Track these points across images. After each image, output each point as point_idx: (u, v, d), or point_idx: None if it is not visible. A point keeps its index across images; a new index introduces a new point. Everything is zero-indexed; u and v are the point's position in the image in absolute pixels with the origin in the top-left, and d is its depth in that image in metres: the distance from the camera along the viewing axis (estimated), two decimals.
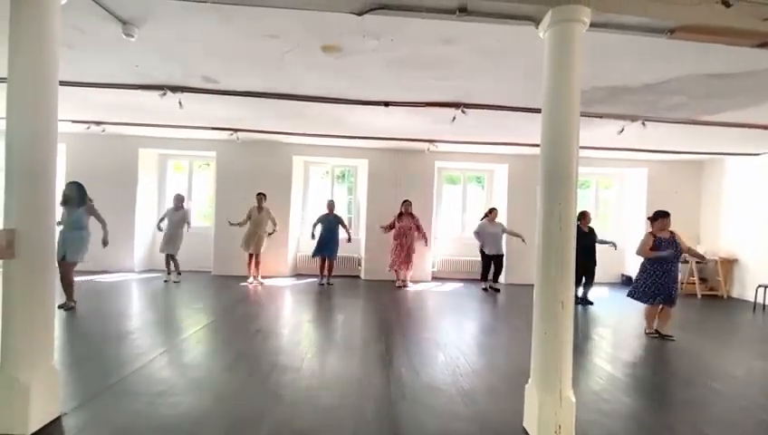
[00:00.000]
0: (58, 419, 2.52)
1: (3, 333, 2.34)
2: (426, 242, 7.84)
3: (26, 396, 2.31)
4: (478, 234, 7.49)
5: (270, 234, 7.31)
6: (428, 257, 8.41)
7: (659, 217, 4.79)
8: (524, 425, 2.60)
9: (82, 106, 5.72)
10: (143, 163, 8.24)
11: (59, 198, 5.02)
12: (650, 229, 4.87)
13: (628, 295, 4.98)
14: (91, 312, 5.14)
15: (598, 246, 6.64)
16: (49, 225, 2.47)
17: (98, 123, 6.81)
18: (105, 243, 5.34)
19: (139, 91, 4.72)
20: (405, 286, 7.54)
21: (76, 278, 5.28)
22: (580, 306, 6.46)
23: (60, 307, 5.02)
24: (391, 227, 7.64)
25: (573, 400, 2.44)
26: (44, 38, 2.37)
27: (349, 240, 7.71)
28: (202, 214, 9.05)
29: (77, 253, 5.08)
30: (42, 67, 2.38)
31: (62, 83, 3.45)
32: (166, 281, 7.14)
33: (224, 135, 7.39)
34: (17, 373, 2.31)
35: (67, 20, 2.93)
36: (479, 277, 8.04)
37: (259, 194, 7.24)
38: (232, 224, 7.15)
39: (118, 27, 3.08)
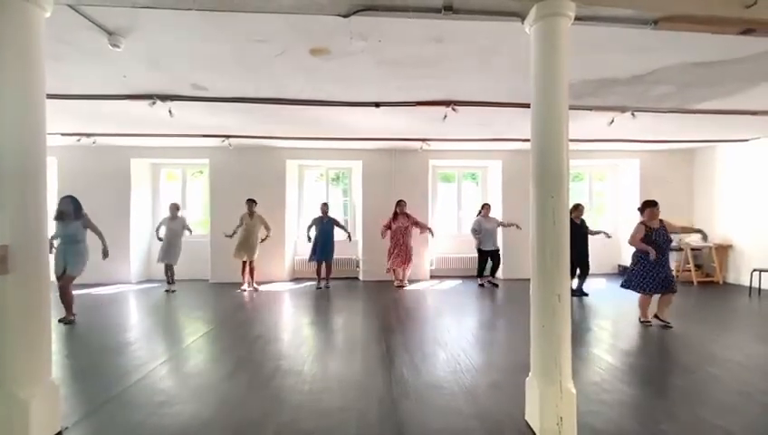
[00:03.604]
0: (59, 434, 2.51)
1: (0, 349, 2.32)
2: (431, 232, 7.75)
3: (26, 412, 2.29)
4: (476, 231, 7.46)
5: (263, 240, 7.28)
6: (426, 256, 8.43)
7: (647, 208, 4.83)
8: (526, 418, 2.62)
9: (72, 118, 5.69)
10: (136, 173, 8.20)
11: (51, 211, 5.00)
12: (641, 219, 4.91)
13: (622, 286, 5.02)
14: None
15: (591, 238, 6.68)
16: (42, 239, 2.45)
17: (88, 135, 6.77)
18: (105, 254, 5.32)
19: (128, 102, 4.70)
20: (403, 286, 7.55)
21: (73, 292, 5.23)
22: (575, 298, 6.49)
23: (60, 321, 5.01)
24: (387, 227, 7.61)
25: (574, 391, 2.45)
26: (30, 51, 2.36)
27: (349, 239, 7.69)
28: (197, 222, 9.00)
29: (76, 267, 5.07)
30: (28, 80, 2.36)
31: (50, 96, 3.44)
32: (167, 291, 7.11)
33: (216, 142, 7.37)
34: (16, 390, 2.29)
35: (53, 33, 2.91)
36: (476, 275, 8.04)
37: (249, 200, 7.21)
38: (228, 235, 7.16)
39: (104, 38, 3.07)
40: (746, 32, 2.75)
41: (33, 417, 2.32)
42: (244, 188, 7.98)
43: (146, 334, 4.77)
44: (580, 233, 6.42)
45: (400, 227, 7.51)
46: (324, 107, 4.98)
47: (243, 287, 7.23)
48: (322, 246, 7.41)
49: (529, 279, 2.60)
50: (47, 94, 2.51)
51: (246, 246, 7.15)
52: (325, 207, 7.59)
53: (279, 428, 2.60)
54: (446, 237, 8.93)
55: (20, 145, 2.34)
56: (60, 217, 5.07)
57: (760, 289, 6.79)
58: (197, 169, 8.92)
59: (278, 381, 3.32)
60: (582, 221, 6.57)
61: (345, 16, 2.59)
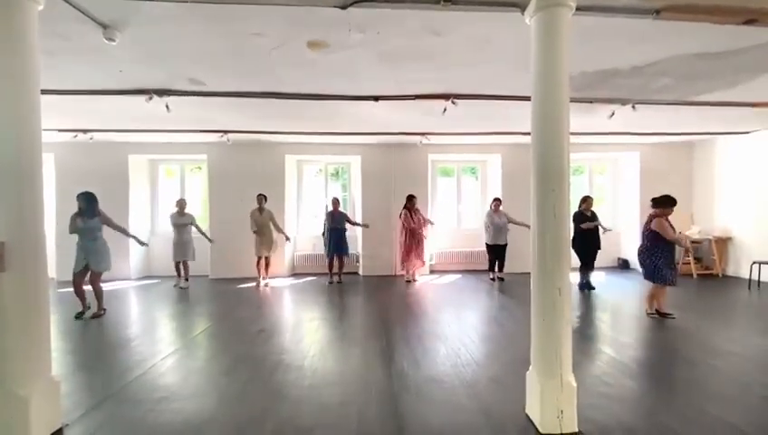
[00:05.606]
0: (60, 430, 2.51)
1: None
2: (431, 222, 7.81)
3: (26, 409, 2.29)
4: (487, 225, 7.46)
5: (288, 238, 7.48)
6: (426, 250, 8.40)
7: (658, 205, 4.80)
8: (527, 412, 2.62)
9: (68, 114, 5.64)
10: (134, 169, 8.16)
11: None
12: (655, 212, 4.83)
13: (651, 280, 4.83)
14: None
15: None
16: (39, 236, 2.43)
17: (85, 131, 6.73)
18: (141, 243, 6.08)
19: (124, 97, 4.66)
20: (415, 281, 7.57)
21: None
22: (585, 290, 6.48)
23: (87, 316, 5.11)
24: (408, 229, 7.48)
25: (574, 384, 2.45)
26: (23, 46, 2.33)
27: (367, 226, 7.82)
28: (196, 218, 8.95)
29: (99, 264, 5.14)
30: (22, 75, 2.33)
31: (46, 92, 3.40)
32: (175, 286, 7.17)
33: (214, 137, 7.32)
34: (16, 387, 2.29)
35: (47, 27, 2.87)
36: (476, 269, 8.06)
37: (259, 195, 7.18)
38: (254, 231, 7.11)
39: (99, 32, 3.03)
40: (749, 21, 2.72)
41: (33, 414, 2.32)
42: (242, 183, 7.95)
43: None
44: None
45: (418, 223, 7.44)
46: (323, 101, 4.94)
47: (264, 283, 7.25)
48: (336, 241, 7.46)
49: (530, 273, 2.59)
50: (42, 90, 2.48)
51: (264, 241, 7.17)
52: (336, 201, 7.60)
53: (279, 423, 2.60)
54: (446, 232, 8.91)
55: (15, 141, 2.32)
56: (80, 213, 5.11)
57: (759, 281, 6.79)
58: (196, 164, 8.87)
59: (280, 375, 3.32)
60: (593, 213, 6.55)
61: (342, 8, 2.56)
